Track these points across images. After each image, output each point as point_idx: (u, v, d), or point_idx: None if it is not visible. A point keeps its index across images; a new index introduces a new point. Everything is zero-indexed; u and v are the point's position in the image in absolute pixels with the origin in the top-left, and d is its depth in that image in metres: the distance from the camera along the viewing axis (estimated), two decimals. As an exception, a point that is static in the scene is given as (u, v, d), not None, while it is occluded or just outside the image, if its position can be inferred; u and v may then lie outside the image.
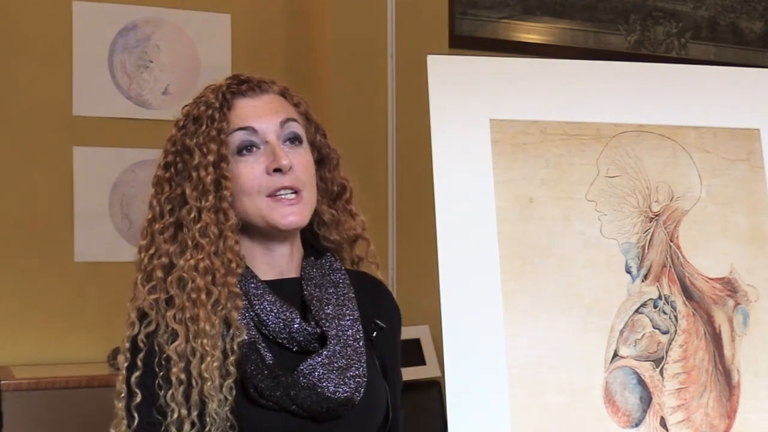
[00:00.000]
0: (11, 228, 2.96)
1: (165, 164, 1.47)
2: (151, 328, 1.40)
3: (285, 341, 1.42)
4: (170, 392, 1.36)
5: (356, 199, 1.60)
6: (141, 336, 1.39)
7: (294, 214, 1.44)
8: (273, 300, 1.42)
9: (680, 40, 3.71)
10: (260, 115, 1.46)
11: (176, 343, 1.37)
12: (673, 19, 3.70)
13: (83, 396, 2.61)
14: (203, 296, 1.38)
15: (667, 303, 1.61)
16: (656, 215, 1.64)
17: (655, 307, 1.60)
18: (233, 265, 1.41)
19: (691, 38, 3.73)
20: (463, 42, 3.32)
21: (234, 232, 1.43)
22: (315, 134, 1.55)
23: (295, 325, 1.41)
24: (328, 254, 1.55)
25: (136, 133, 3.06)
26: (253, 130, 1.45)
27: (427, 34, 3.14)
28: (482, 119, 1.62)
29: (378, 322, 1.52)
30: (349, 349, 1.44)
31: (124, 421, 1.39)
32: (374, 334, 1.51)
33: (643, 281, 1.61)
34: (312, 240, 1.57)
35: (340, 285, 1.51)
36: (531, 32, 3.49)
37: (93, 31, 3.05)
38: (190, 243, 1.41)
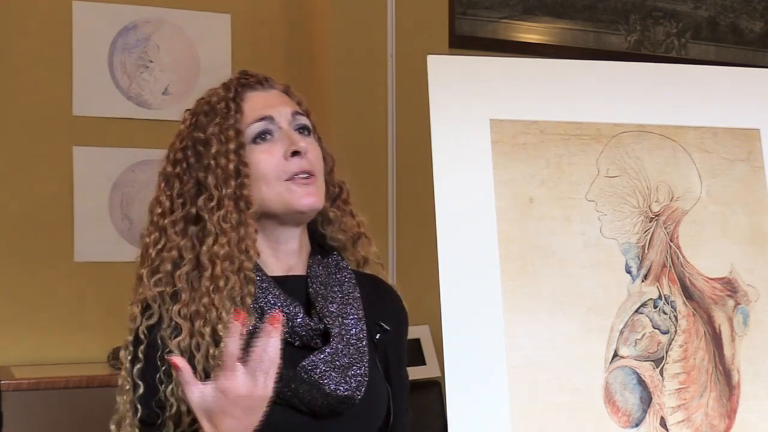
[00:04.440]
0: (11, 228, 2.96)
1: (174, 161, 1.48)
2: (153, 320, 1.40)
3: (287, 335, 1.42)
4: (170, 387, 1.37)
5: (354, 200, 1.61)
6: (142, 327, 1.40)
7: (310, 195, 1.45)
8: (277, 294, 1.43)
9: (680, 40, 3.71)
10: (273, 105, 1.49)
11: (179, 338, 1.38)
12: (673, 19, 3.70)
13: (83, 396, 2.61)
14: (221, 283, 1.39)
15: (667, 303, 1.61)
16: (656, 215, 1.64)
17: (655, 307, 1.61)
18: (251, 252, 1.42)
19: (691, 38, 3.73)
20: (463, 42, 3.32)
21: (254, 220, 1.44)
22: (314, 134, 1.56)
23: (298, 320, 1.42)
24: (335, 253, 1.55)
25: (136, 133, 3.06)
26: (271, 118, 1.47)
27: (427, 34, 3.14)
28: (482, 119, 1.62)
29: (382, 324, 1.52)
30: (351, 348, 1.44)
31: (129, 414, 1.40)
32: (377, 337, 1.51)
33: (643, 281, 1.61)
34: (320, 239, 1.58)
35: (346, 284, 1.51)
36: (531, 32, 3.49)
37: (93, 31, 3.05)
38: (213, 229, 1.42)
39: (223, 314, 1.38)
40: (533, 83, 1.66)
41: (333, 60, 3.09)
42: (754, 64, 3.67)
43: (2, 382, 2.58)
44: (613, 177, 1.63)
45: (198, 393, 1.25)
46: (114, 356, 2.75)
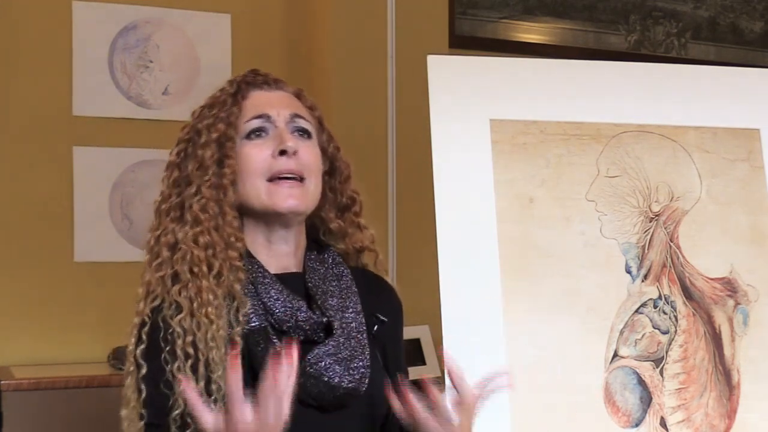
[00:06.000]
0: (11, 228, 2.95)
1: (177, 151, 1.52)
2: (156, 303, 1.42)
3: (291, 330, 1.43)
4: (176, 365, 1.37)
5: (365, 213, 1.60)
6: (146, 311, 1.42)
7: (294, 197, 1.46)
8: (280, 289, 1.44)
9: (680, 40, 3.71)
10: (273, 105, 1.50)
11: (180, 316, 1.40)
12: (673, 19, 3.69)
13: (83, 396, 2.61)
14: (204, 268, 1.41)
15: (667, 303, 1.61)
16: (656, 215, 1.64)
17: (655, 307, 1.61)
18: (233, 239, 1.44)
19: (691, 38, 3.73)
20: (463, 42, 3.31)
21: (233, 209, 1.46)
22: (328, 143, 1.57)
23: (302, 314, 1.43)
24: (330, 249, 1.56)
25: (136, 133, 3.06)
26: (267, 117, 1.49)
27: (427, 34, 3.13)
28: (482, 119, 1.62)
29: (379, 315, 1.53)
30: (353, 340, 1.45)
31: (134, 396, 1.41)
32: (375, 328, 1.51)
33: (643, 281, 1.61)
34: (316, 236, 1.58)
35: (343, 278, 1.52)
36: (531, 32, 3.48)
37: (93, 31, 3.04)
38: (189, 217, 1.45)
39: (210, 297, 1.40)
40: (533, 83, 1.66)
41: (333, 60, 3.09)
42: (754, 64, 3.67)
43: (2, 382, 2.58)
44: (613, 177, 1.64)
45: (209, 418, 1.26)
46: (114, 356, 2.75)
